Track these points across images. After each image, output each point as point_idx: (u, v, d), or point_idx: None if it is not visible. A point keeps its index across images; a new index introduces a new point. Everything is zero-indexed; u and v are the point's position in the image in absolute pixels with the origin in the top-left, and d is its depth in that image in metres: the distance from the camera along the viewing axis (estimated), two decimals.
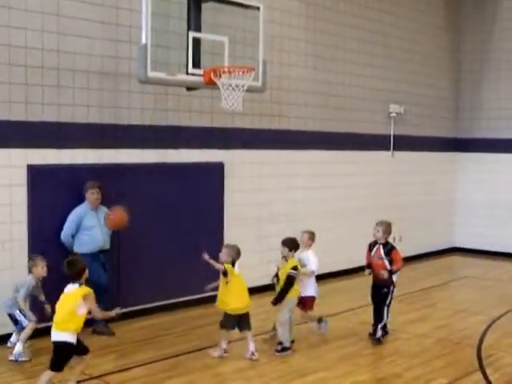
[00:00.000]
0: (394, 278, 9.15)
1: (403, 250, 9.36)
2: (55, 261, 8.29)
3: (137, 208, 9.85)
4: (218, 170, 11.15)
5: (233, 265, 8.24)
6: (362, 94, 14.17)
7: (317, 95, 13.10)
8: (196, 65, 9.29)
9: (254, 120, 11.78)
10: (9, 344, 8.41)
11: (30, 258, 8.45)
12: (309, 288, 9.14)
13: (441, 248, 16.68)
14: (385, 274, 9.03)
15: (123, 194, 9.64)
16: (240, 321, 8.33)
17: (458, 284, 13.70)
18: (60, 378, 7.05)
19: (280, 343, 8.60)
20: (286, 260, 8.66)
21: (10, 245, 8.78)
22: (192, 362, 8.19)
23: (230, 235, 11.06)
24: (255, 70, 9.49)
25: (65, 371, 6.92)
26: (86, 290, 6.81)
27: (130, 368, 7.74)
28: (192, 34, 9.25)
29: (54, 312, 6.94)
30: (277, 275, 8.77)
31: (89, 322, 7.94)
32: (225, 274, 8.15)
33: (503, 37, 16.23)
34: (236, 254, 8.27)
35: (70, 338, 6.69)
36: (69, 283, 6.86)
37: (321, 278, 12.61)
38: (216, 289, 8.41)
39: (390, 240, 9.38)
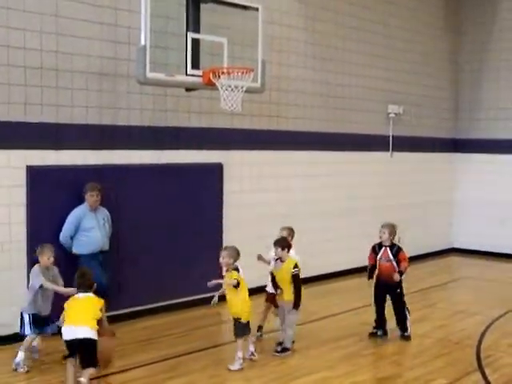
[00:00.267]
0: (399, 268, 9.19)
1: (405, 252, 9.36)
2: (54, 262, 8.30)
3: (136, 209, 9.87)
4: (217, 170, 11.15)
5: (236, 269, 8.10)
6: (361, 94, 14.18)
7: (316, 96, 13.11)
8: (195, 66, 9.30)
9: (253, 121, 11.79)
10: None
11: (39, 245, 8.12)
12: None
13: (439, 248, 16.68)
14: (397, 278, 9.14)
15: (122, 194, 9.66)
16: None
17: (457, 284, 13.71)
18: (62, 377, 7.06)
19: (280, 344, 8.60)
20: (282, 261, 8.61)
21: (9, 246, 8.77)
22: (192, 362, 8.19)
23: (229, 236, 11.06)
24: (254, 70, 9.51)
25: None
26: (100, 300, 7.10)
27: (131, 369, 7.73)
28: (191, 35, 9.26)
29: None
30: (273, 278, 8.71)
31: None
32: (237, 285, 8.00)
33: (503, 37, 16.24)
34: (237, 254, 8.15)
35: (95, 334, 6.89)
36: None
37: (321, 278, 12.70)
38: (217, 288, 8.27)
39: (395, 241, 9.41)
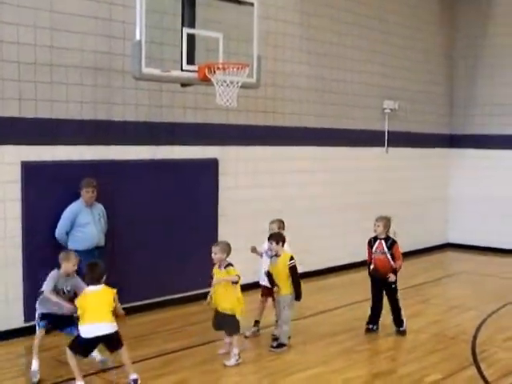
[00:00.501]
0: (394, 265, 9.19)
1: (399, 246, 9.37)
2: (49, 258, 8.29)
3: (131, 204, 9.86)
4: (212, 166, 11.14)
5: (231, 264, 8.06)
6: (357, 90, 14.18)
7: (311, 91, 13.10)
8: (190, 61, 9.28)
9: (249, 116, 11.77)
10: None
11: (63, 251, 7.96)
12: None
13: (434, 244, 16.71)
14: (393, 278, 9.16)
15: (117, 190, 9.64)
16: None
17: (452, 280, 13.73)
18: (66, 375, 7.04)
19: (276, 339, 8.60)
20: (277, 255, 8.60)
21: (4, 242, 8.75)
22: (187, 358, 8.19)
23: (224, 231, 11.07)
24: (250, 66, 9.49)
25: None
26: (113, 290, 7.16)
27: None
28: (186, 30, 9.24)
29: None
30: (270, 276, 8.69)
31: None
32: (237, 281, 7.99)
33: (497, 33, 16.24)
34: (229, 249, 8.11)
35: (116, 325, 7.08)
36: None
37: (316, 274, 12.71)
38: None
39: (390, 234, 9.43)
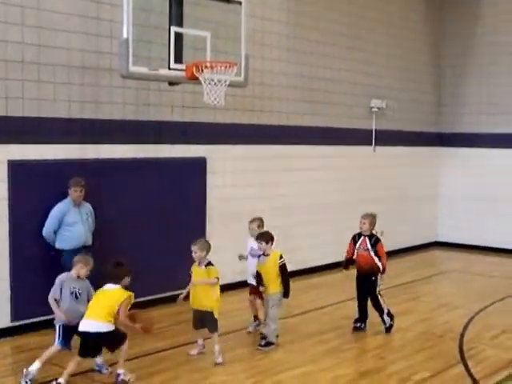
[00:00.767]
0: (380, 265, 9.20)
1: (385, 244, 9.41)
2: (37, 257, 8.27)
3: (118, 203, 9.83)
4: (200, 165, 11.12)
5: (210, 263, 8.11)
6: (344, 88, 14.19)
7: (298, 90, 13.10)
8: (178, 60, 9.27)
9: (236, 115, 11.76)
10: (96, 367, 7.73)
11: (80, 254, 7.85)
12: None
13: (423, 242, 16.75)
14: (377, 277, 9.22)
15: (105, 189, 9.61)
16: None
17: (440, 278, 13.77)
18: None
19: (264, 338, 8.60)
20: (265, 254, 8.59)
21: None
22: (176, 357, 8.19)
23: (212, 230, 11.06)
24: (237, 64, 9.48)
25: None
26: (126, 293, 7.23)
27: (115, 363, 7.67)
28: (174, 29, 9.23)
29: None
30: (258, 275, 8.68)
31: None
32: (218, 279, 8.03)
33: (485, 32, 16.29)
34: (208, 246, 8.15)
35: (108, 327, 7.08)
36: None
37: (304, 272, 12.71)
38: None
39: (374, 232, 9.46)
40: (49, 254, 8.87)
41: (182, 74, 9.27)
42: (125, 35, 8.55)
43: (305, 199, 13.18)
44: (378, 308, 9.34)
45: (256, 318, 9.23)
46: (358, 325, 9.42)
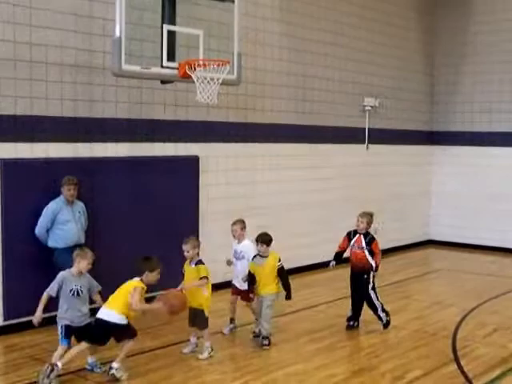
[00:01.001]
0: (373, 263, 9.20)
1: (378, 242, 9.41)
2: (29, 256, 8.23)
3: (110, 202, 9.80)
4: (193, 163, 11.10)
5: (201, 261, 8.13)
6: (337, 87, 14.19)
7: (291, 88, 13.10)
8: (171, 58, 9.24)
9: (229, 113, 11.75)
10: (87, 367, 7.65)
11: (79, 248, 7.83)
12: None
13: (416, 241, 16.77)
14: (370, 275, 9.22)
15: (98, 188, 9.59)
16: None
17: (433, 276, 13.79)
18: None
19: (266, 338, 8.58)
20: (262, 256, 8.59)
21: None
22: (170, 355, 8.18)
23: (205, 229, 11.05)
24: (230, 63, 9.46)
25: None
26: (139, 283, 7.45)
27: (109, 362, 7.66)
28: (167, 27, 9.20)
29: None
30: (251, 276, 8.67)
31: None
32: (207, 278, 8.06)
33: (478, 31, 16.32)
34: (199, 243, 8.24)
35: (120, 319, 7.30)
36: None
37: (298, 271, 12.70)
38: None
39: (371, 231, 9.47)
40: (41, 253, 8.84)
41: (175, 72, 9.24)
42: (117, 33, 8.52)
43: (297, 197, 13.17)
44: (372, 306, 9.34)
45: (232, 320, 9.21)
46: (351, 323, 9.42)
